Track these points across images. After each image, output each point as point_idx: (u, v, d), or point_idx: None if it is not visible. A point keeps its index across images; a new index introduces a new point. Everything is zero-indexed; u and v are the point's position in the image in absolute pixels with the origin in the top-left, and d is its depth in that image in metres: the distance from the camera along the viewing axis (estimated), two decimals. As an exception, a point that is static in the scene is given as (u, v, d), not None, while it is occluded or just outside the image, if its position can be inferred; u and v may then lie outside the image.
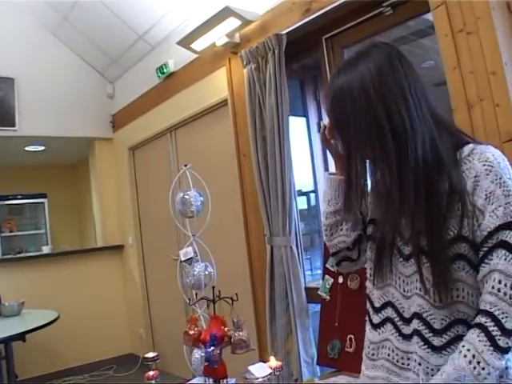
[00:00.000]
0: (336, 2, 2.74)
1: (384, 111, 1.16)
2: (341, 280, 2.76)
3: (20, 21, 5.04)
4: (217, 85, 3.86)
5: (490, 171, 1.10)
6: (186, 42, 3.67)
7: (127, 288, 5.67)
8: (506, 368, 1.09)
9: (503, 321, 1.04)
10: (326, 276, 2.87)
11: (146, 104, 4.96)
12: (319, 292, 2.91)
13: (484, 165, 1.11)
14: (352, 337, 2.56)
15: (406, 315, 1.23)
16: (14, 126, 4.95)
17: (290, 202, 3.11)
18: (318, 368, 3.04)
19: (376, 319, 1.32)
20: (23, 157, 6.51)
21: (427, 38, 3.00)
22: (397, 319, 1.26)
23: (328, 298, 2.83)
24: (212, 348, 1.44)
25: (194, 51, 3.79)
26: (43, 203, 7.34)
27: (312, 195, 3.63)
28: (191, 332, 1.55)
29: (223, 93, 3.77)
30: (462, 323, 1.15)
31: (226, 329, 1.48)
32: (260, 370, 1.07)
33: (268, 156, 3.21)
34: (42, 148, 6.19)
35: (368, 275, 1.38)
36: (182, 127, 4.48)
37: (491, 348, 1.04)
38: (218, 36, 3.51)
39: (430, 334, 1.16)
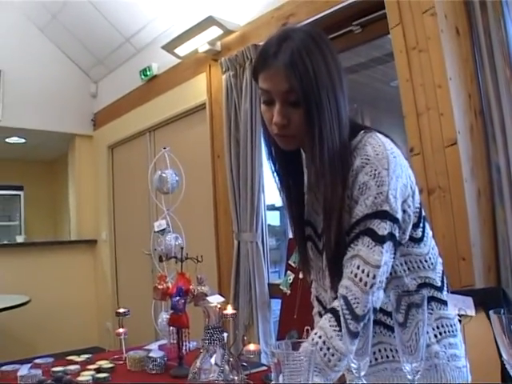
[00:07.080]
0: (311, 18, 2.97)
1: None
2: (301, 275, 2.94)
3: (10, 16, 5.15)
4: (196, 89, 4.07)
5: (367, 164, 1.11)
6: (170, 47, 3.88)
7: (98, 282, 5.77)
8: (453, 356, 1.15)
9: (354, 306, 1.04)
10: (288, 272, 3.06)
11: (127, 104, 5.13)
12: (280, 286, 3.09)
13: (362, 159, 1.12)
14: (309, 328, 2.69)
15: None
16: (-3, 116, 5.05)
17: (258, 200, 3.33)
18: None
19: None
20: (3, 148, 6.57)
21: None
22: None
23: (289, 292, 3.03)
24: (178, 298, 1.66)
25: (178, 56, 4.01)
26: (19, 195, 7.38)
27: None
28: (160, 287, 1.76)
29: (202, 97, 3.98)
30: None
31: (191, 286, 1.69)
32: (216, 299, 1.29)
33: (240, 157, 3.42)
34: (23, 141, 6.29)
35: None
36: (162, 128, 4.67)
37: (340, 333, 1.00)
38: (200, 43, 3.74)
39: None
